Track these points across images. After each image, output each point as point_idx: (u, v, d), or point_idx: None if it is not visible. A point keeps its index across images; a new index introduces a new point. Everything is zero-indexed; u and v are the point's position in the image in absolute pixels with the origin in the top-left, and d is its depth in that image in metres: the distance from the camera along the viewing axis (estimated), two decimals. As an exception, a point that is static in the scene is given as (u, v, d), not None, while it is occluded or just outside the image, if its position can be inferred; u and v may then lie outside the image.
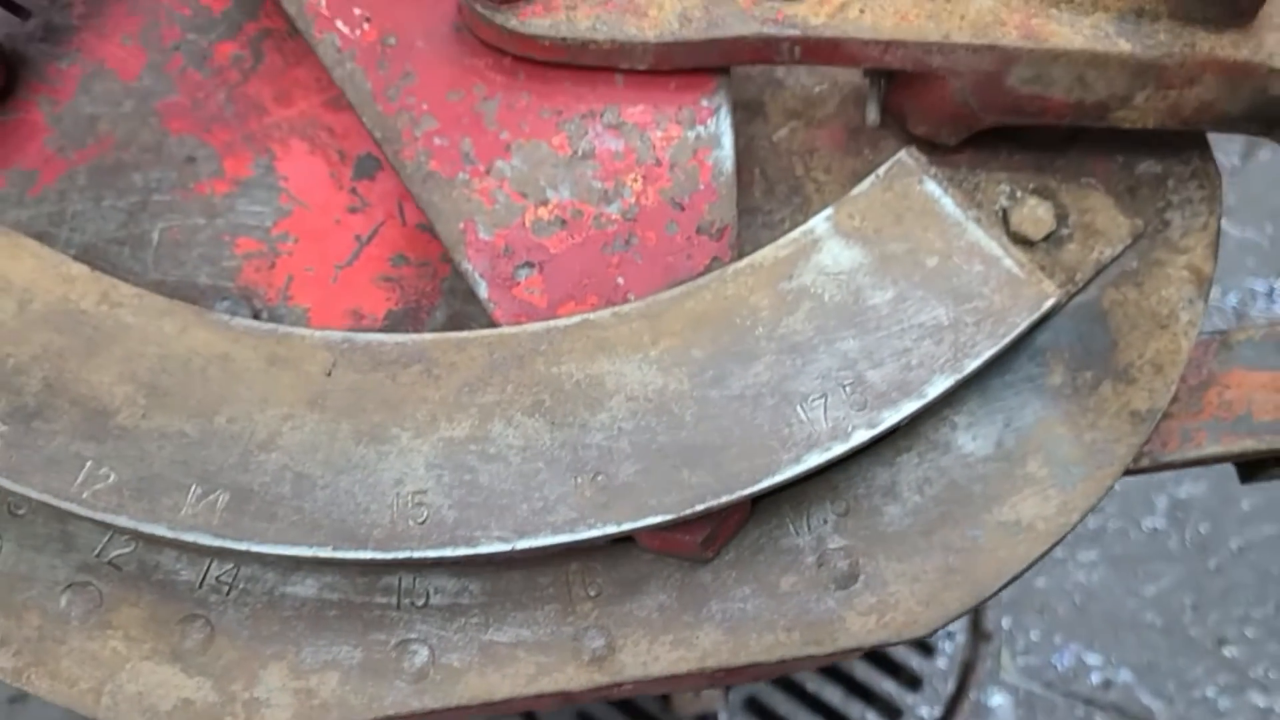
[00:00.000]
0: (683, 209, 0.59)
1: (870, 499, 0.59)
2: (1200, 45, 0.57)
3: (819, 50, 0.59)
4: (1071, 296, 0.62)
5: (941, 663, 1.77)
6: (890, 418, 0.55)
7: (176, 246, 0.62)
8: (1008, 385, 0.61)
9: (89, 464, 0.53)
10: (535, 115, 0.60)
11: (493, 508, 0.53)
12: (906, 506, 0.59)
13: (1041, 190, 0.64)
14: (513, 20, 0.58)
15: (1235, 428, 0.65)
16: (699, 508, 0.53)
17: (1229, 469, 0.71)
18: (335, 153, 0.65)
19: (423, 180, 0.59)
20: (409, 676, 0.55)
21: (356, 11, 0.61)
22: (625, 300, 0.58)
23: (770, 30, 0.58)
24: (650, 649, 0.56)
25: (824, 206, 0.60)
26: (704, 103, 0.60)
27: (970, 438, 0.60)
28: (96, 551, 0.57)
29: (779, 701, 1.70)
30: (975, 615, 1.82)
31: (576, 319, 0.56)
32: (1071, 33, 0.57)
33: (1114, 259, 0.63)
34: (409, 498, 0.53)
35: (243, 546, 0.52)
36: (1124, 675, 1.79)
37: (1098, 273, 0.63)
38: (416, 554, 0.52)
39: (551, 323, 0.56)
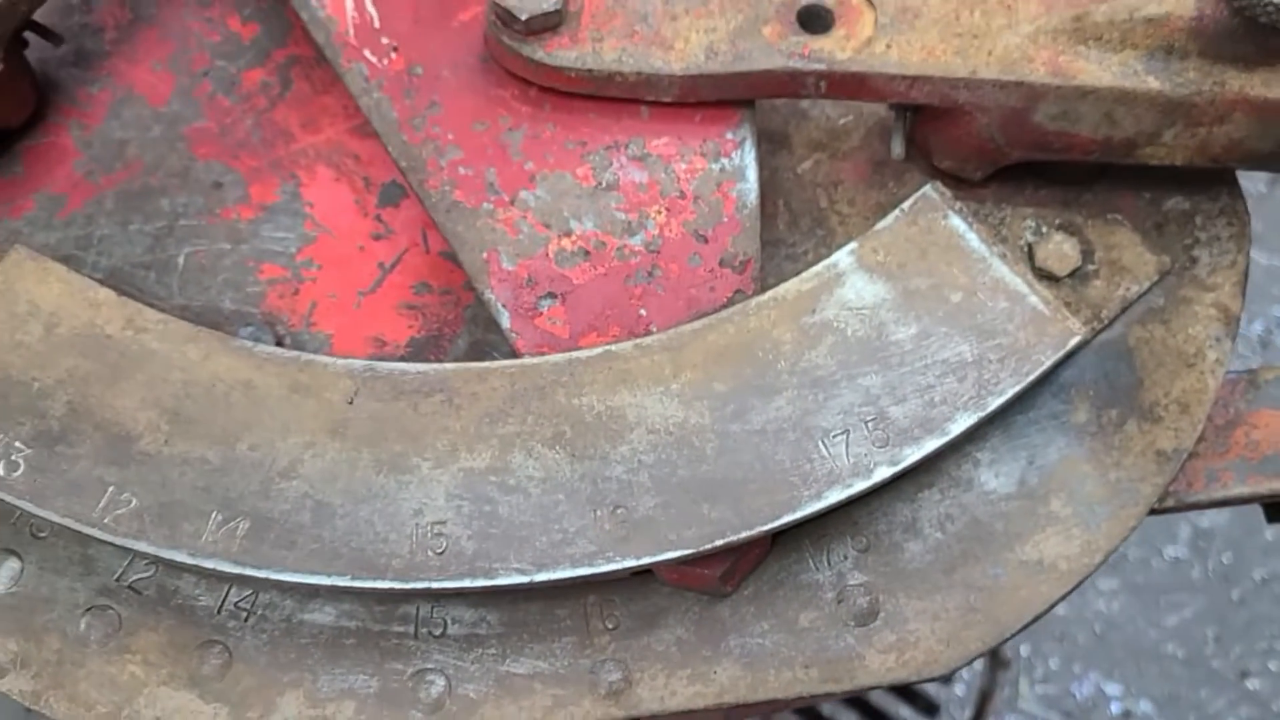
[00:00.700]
0: (706, 241, 0.59)
1: (891, 535, 0.58)
2: (1230, 84, 0.56)
3: (845, 85, 0.59)
4: (1097, 333, 0.62)
5: (959, 689, 1.75)
6: (913, 455, 0.54)
7: (201, 272, 0.63)
8: (1031, 422, 0.60)
9: (111, 489, 0.54)
10: (560, 146, 0.60)
11: (512, 539, 0.53)
12: (928, 543, 0.58)
13: (1067, 226, 0.63)
14: (539, 52, 0.59)
15: (1262, 468, 0.64)
16: (719, 542, 0.53)
17: (1254, 502, 0.70)
18: (361, 180, 0.65)
19: (447, 210, 0.59)
20: (425, 707, 0.55)
21: (384, 41, 0.61)
22: (648, 332, 0.58)
23: (796, 64, 0.58)
24: (667, 683, 0.56)
25: (848, 239, 0.60)
26: (729, 135, 0.60)
27: (993, 475, 0.60)
28: (117, 575, 0.57)
29: (794, 727, 1.69)
30: (994, 642, 1.80)
31: (598, 350, 0.56)
32: (1100, 70, 0.57)
33: (1140, 296, 0.62)
34: (428, 528, 0.53)
35: (262, 574, 0.52)
36: (1144, 706, 1.77)
37: (1124, 309, 0.62)
38: (435, 585, 0.52)
39: (573, 354, 0.56)
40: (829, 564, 0.58)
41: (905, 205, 0.60)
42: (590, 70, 0.59)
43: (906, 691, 1.72)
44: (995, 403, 0.56)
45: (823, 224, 0.64)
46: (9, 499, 0.53)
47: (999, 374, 0.56)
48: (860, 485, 0.54)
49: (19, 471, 0.54)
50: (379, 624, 0.57)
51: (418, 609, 0.57)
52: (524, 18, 0.58)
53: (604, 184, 0.60)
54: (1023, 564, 0.58)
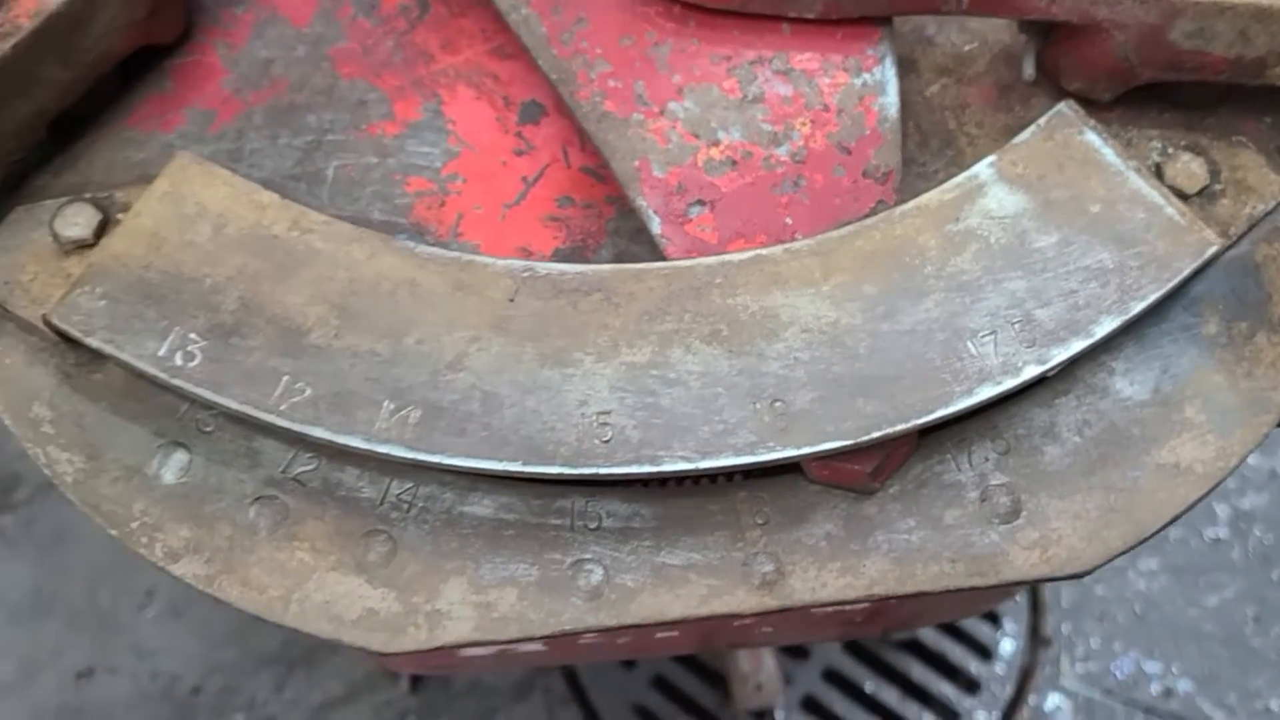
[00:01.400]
0: (849, 153, 0.61)
1: (1030, 439, 0.60)
2: (1366, 1, 0.58)
3: (987, 1, 0.60)
4: (1227, 248, 0.63)
5: (999, 667, 1.77)
6: (1059, 355, 0.56)
7: (350, 184, 0.65)
8: (1164, 333, 0.62)
9: (285, 379, 0.55)
10: (706, 60, 0.62)
11: (675, 429, 0.54)
12: (1066, 447, 0.60)
13: (1193, 147, 0.65)
14: (688, -33, 0.60)
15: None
16: (875, 435, 0.55)
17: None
18: (500, 98, 0.67)
19: (598, 120, 0.61)
20: (584, 594, 0.57)
21: (532, -42, 0.63)
22: (793, 239, 0.59)
23: (942, -21, 0.60)
24: (819, 575, 0.57)
25: (977, 159, 0.61)
26: (869, 51, 0.62)
27: (1128, 383, 0.61)
28: (282, 468, 0.59)
29: (835, 700, 1.70)
30: (1034, 620, 1.82)
31: (749, 254, 0.58)
32: (1238, -14, 0.58)
33: (1266, 214, 0.64)
34: (594, 418, 0.55)
35: (435, 459, 0.54)
36: (1184, 685, 1.78)
37: (1250, 227, 0.64)
38: (604, 470, 0.54)
39: (725, 256, 0.58)
40: (971, 465, 0.60)
41: (1041, 121, 0.61)
42: (736, -14, 0.60)
43: (948, 668, 1.73)
44: (1137, 307, 0.57)
45: (952, 144, 0.66)
46: (188, 387, 0.55)
47: (1140, 280, 0.58)
48: (1010, 383, 0.56)
49: (195, 362, 0.56)
50: (536, 517, 0.58)
51: (573, 503, 0.59)
52: (674, -67, 0.59)
53: (749, 97, 0.61)
54: (1160, 467, 0.59)
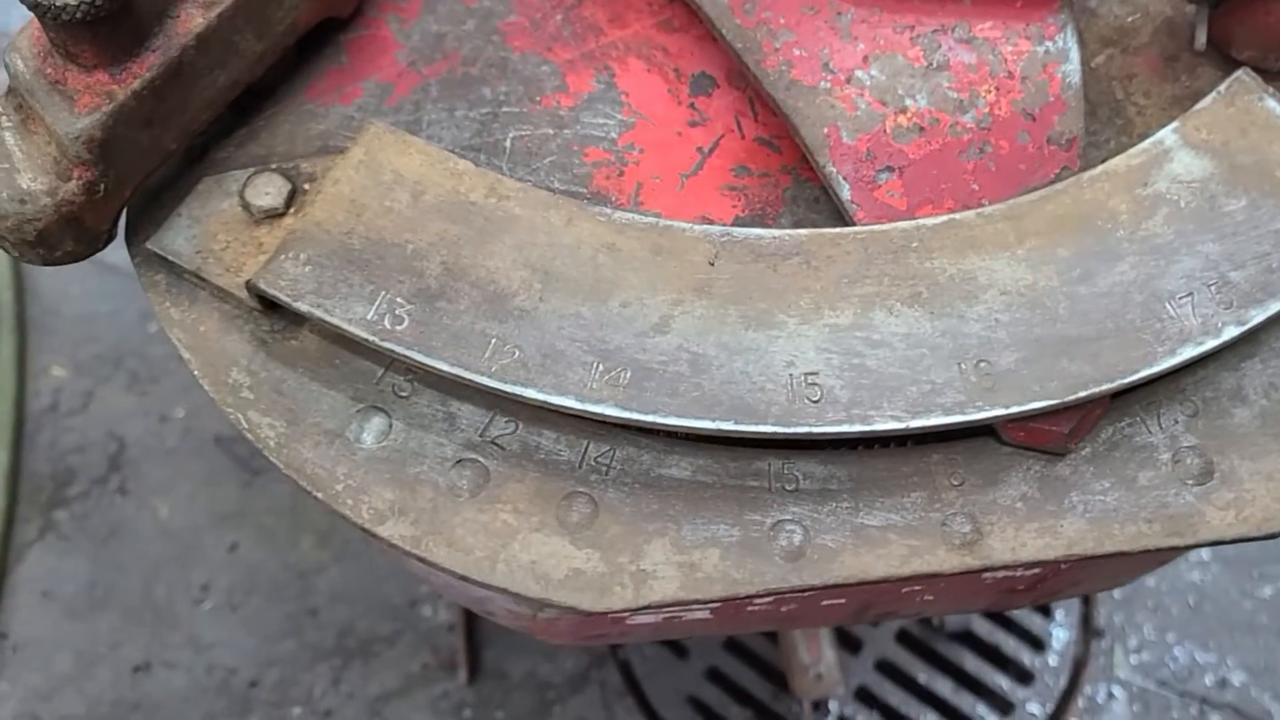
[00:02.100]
0: (1034, 119, 0.61)
1: (1219, 402, 0.60)
2: None
3: (1171, -32, 0.61)
4: None
5: (1053, 659, 1.77)
6: (1258, 316, 0.57)
7: (529, 155, 0.65)
8: (1347, 297, 0.62)
9: (494, 341, 0.56)
10: (889, 29, 0.63)
11: (883, 389, 0.55)
12: (1254, 410, 0.60)
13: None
14: (877, -64, 0.61)
15: None
16: (1081, 394, 0.55)
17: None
18: (672, 71, 0.67)
19: (786, 87, 0.61)
20: (786, 554, 0.57)
21: (714, -71, 0.64)
22: (980, 205, 0.60)
23: (1129, -53, 0.60)
24: (1017, 535, 0.58)
25: (1146, 129, 0.62)
26: (1050, 20, 0.63)
27: (1313, 345, 0.62)
28: (480, 431, 0.59)
29: (889, 691, 1.71)
30: (1086, 611, 1.82)
31: (943, 218, 0.58)
32: None
33: None
34: (802, 378, 0.55)
35: (649, 419, 0.54)
36: (1239, 676, 1.78)
37: None
38: (816, 430, 0.54)
39: (919, 221, 0.58)
40: (1161, 428, 0.60)
41: (1221, 88, 0.62)
42: (922, -45, 0.61)
43: (1001, 659, 1.74)
44: (1329, 269, 0.58)
45: (1120, 114, 0.67)
46: (399, 350, 0.56)
47: (1330, 243, 0.58)
48: (1211, 344, 0.56)
49: (404, 325, 0.56)
50: (734, 479, 0.59)
51: (769, 465, 0.59)
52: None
53: (934, 64, 0.62)
54: (1348, 429, 0.60)
